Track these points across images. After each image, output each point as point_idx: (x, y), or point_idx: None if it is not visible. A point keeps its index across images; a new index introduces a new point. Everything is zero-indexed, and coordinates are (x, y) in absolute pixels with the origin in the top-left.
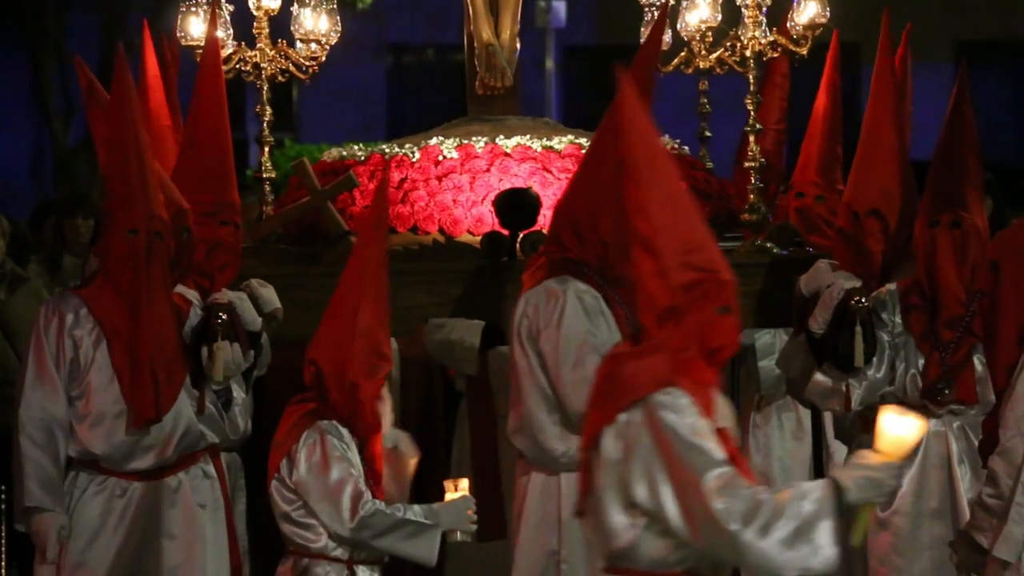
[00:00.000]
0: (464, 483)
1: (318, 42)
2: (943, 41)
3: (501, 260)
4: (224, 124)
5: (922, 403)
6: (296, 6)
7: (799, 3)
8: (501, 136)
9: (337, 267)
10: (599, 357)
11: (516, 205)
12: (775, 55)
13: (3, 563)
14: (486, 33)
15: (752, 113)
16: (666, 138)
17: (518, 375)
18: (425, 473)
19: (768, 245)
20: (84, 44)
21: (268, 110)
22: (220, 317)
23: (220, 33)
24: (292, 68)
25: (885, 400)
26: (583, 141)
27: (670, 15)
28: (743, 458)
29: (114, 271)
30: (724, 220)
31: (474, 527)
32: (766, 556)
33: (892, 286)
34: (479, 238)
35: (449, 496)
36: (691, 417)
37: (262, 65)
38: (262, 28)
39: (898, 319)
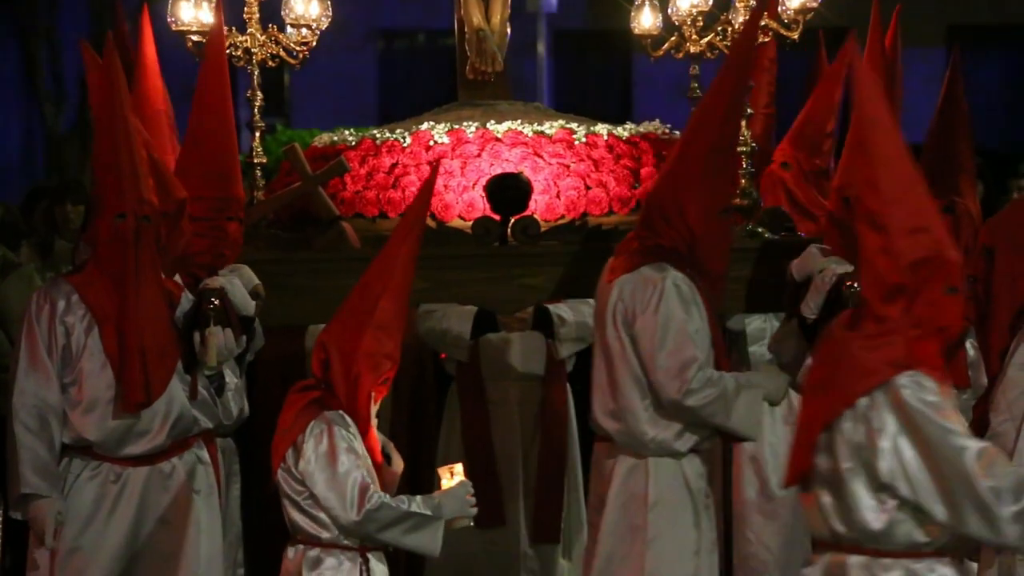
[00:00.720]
0: (459, 468)
1: (309, 27)
2: (935, 25)
3: (492, 245)
4: (229, 119)
5: None
6: None
7: None
8: (492, 121)
9: (328, 252)
10: (693, 345)
11: (507, 190)
12: (766, 39)
13: None
14: (477, 18)
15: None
16: (657, 123)
17: (611, 360)
18: (418, 460)
19: (759, 230)
20: (75, 29)
21: (259, 95)
22: (212, 302)
23: (210, 17)
24: (283, 53)
25: None
26: (574, 126)
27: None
28: None
29: (103, 256)
30: None
31: (475, 511)
32: None
33: None
34: (470, 223)
35: (446, 483)
36: (937, 398)
37: (253, 50)
38: (253, 13)
39: None
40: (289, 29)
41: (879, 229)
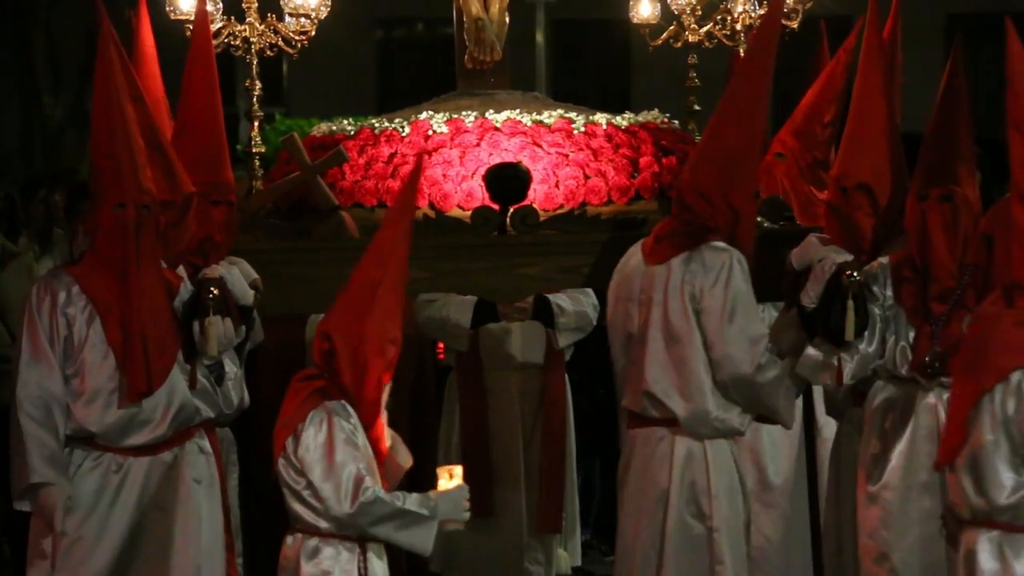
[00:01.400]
0: (458, 470)
1: (308, 16)
2: (934, 14)
3: (491, 235)
4: (216, 103)
5: (912, 376)
6: None
7: None
8: (491, 110)
9: (327, 242)
10: (761, 321)
11: (506, 180)
12: None
13: None
14: (475, 7)
15: None
16: (655, 112)
17: (676, 338)
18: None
19: (758, 219)
20: (73, 19)
21: (258, 85)
22: (211, 292)
23: (209, 7)
24: (281, 43)
25: (877, 374)
26: (573, 115)
27: None
28: None
29: (103, 246)
30: None
31: (468, 515)
32: None
33: (884, 260)
34: (469, 213)
35: (444, 484)
36: None
37: (251, 40)
38: (251, 2)
39: (889, 292)
40: (288, 18)
41: None
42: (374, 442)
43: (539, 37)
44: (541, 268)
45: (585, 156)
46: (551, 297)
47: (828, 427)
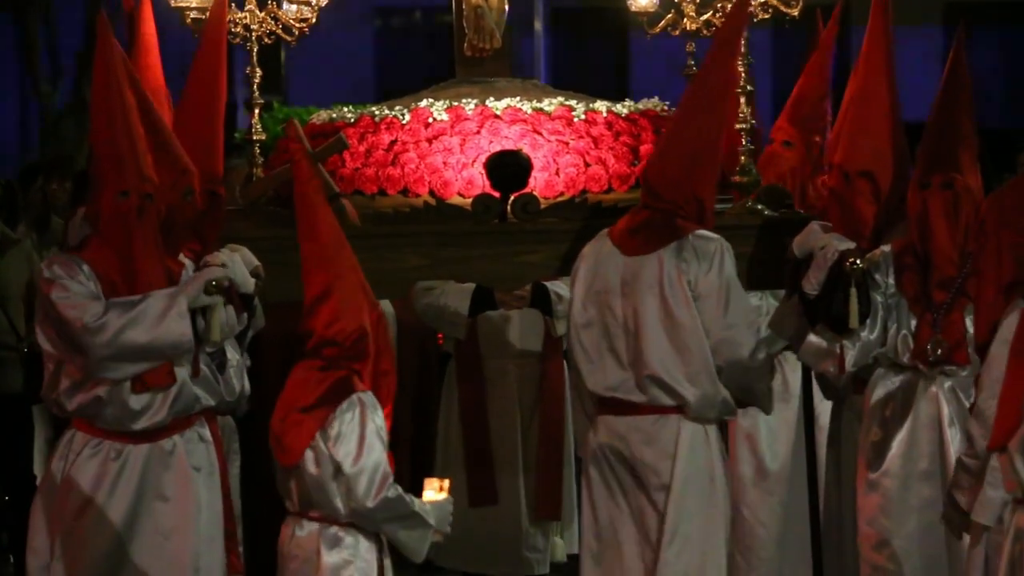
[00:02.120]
0: (447, 484)
1: (308, 4)
2: (932, 3)
3: (492, 222)
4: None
5: (914, 364)
6: None
7: None
8: (491, 98)
9: None
10: (751, 304)
11: (506, 167)
12: (766, 16)
13: None
14: None
15: (743, 74)
16: (655, 100)
17: (678, 326)
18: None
19: (759, 207)
20: (71, 6)
21: (258, 72)
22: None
23: None
24: (279, 31)
25: (878, 361)
26: (573, 103)
27: None
28: None
29: (107, 234)
30: None
31: (449, 530)
32: None
33: (886, 247)
34: (470, 200)
35: (432, 495)
36: None
37: (252, 27)
38: None
39: (892, 280)
40: (287, 6)
41: None
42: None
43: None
44: (542, 256)
45: (585, 144)
46: (549, 285)
47: (826, 414)
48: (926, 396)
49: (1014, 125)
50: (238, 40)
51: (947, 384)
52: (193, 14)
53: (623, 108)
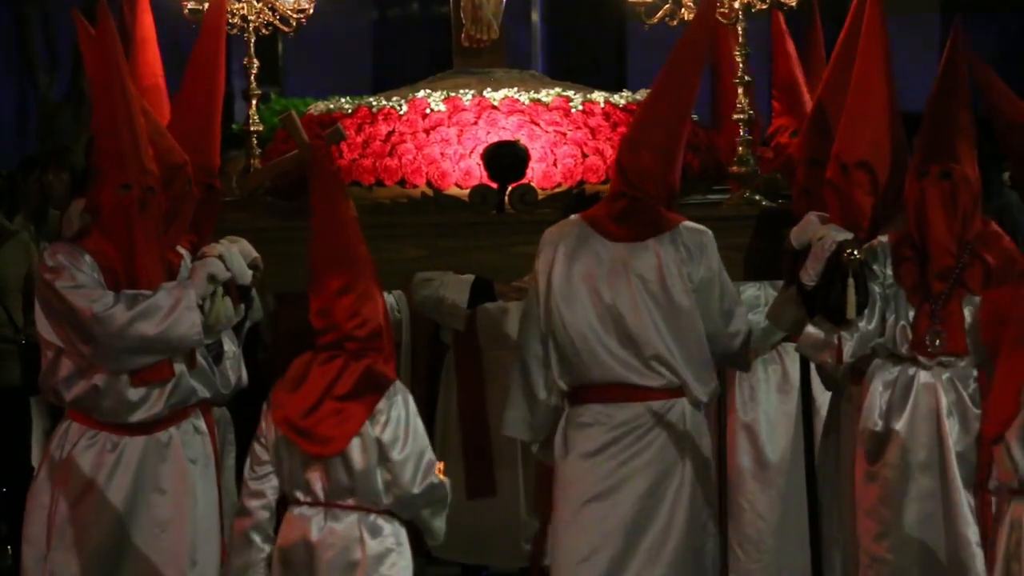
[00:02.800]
0: (442, 466)
1: None
2: None
3: (489, 213)
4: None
5: (912, 355)
6: None
7: None
8: (488, 89)
9: None
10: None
11: (504, 158)
12: (763, 7)
13: None
14: None
15: (740, 65)
16: None
17: (681, 314)
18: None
19: (756, 197)
20: None
21: (256, 63)
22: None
23: None
24: (277, 22)
25: (876, 352)
26: (571, 94)
27: None
28: None
29: (108, 226)
30: (712, 172)
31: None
32: None
33: (884, 238)
34: (467, 191)
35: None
36: None
37: (249, 18)
38: None
39: (889, 271)
40: None
41: None
42: None
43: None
44: None
45: (583, 135)
46: None
47: (827, 405)
48: (924, 387)
49: None
50: (235, 31)
51: (945, 375)
52: (191, 4)
53: (621, 99)
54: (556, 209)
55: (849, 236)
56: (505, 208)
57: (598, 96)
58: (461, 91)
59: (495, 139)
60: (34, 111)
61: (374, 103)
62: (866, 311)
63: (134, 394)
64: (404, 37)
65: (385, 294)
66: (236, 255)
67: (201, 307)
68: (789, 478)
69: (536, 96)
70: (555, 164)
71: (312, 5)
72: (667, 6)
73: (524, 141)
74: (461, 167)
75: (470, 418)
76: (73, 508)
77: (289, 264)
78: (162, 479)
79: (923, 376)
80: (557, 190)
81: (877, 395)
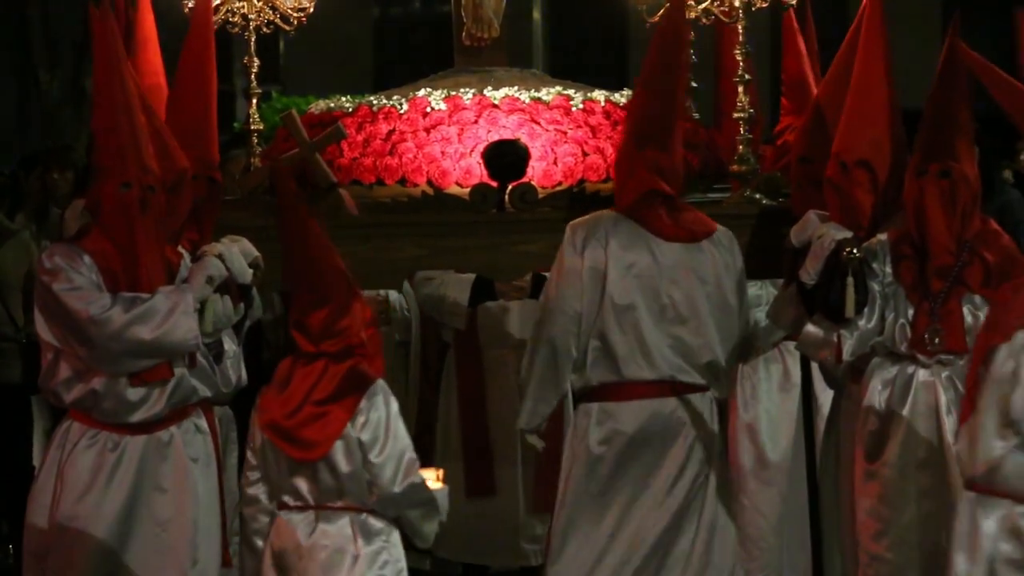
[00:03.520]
0: (442, 473)
1: None
2: None
3: (490, 212)
4: (210, 82)
5: (911, 353)
6: None
7: None
8: (489, 87)
9: (325, 219)
10: None
11: (505, 157)
12: (764, 5)
13: None
14: None
15: (741, 64)
16: None
17: (731, 314)
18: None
19: (757, 196)
20: None
21: (256, 61)
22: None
23: None
24: (278, 20)
25: (875, 350)
26: (571, 92)
27: None
28: None
29: (108, 225)
30: (713, 171)
31: (444, 519)
32: None
33: (883, 236)
34: (468, 190)
35: (430, 484)
36: None
37: (250, 16)
38: None
39: (889, 269)
40: None
41: None
42: None
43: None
44: (540, 246)
45: (583, 133)
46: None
47: (828, 404)
48: (923, 385)
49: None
50: (237, 29)
51: (944, 373)
52: (191, 3)
53: (621, 97)
54: (556, 208)
55: (848, 235)
56: (506, 207)
57: (599, 95)
58: (462, 90)
59: (496, 138)
60: (35, 109)
61: (375, 102)
62: (865, 309)
63: (134, 394)
64: (405, 36)
65: (392, 293)
66: (236, 254)
67: (200, 310)
68: (790, 477)
69: (537, 95)
70: (556, 163)
71: (313, 4)
72: (668, 4)
73: (525, 140)
74: (462, 166)
75: (470, 416)
76: (74, 507)
77: None
78: (163, 478)
79: (922, 374)
80: (558, 189)
81: (876, 393)
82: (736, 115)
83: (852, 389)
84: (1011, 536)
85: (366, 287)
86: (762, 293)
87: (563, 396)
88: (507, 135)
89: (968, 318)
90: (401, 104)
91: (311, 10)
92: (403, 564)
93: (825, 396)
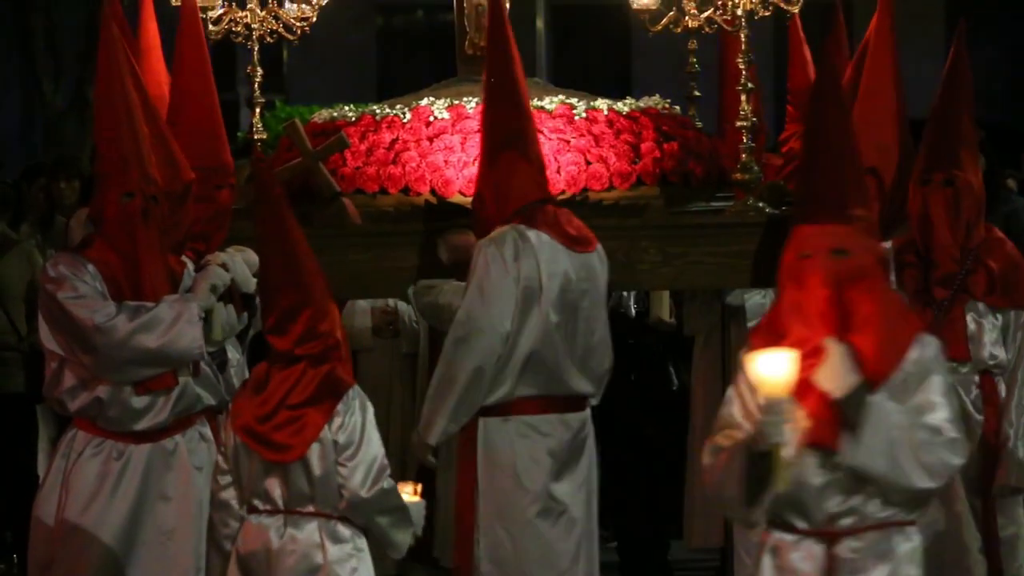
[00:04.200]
0: (420, 487)
1: (309, 2)
2: None
3: None
4: (210, 85)
5: None
6: None
7: None
8: None
9: (329, 228)
10: None
11: None
12: (767, 14)
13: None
14: None
15: (744, 72)
16: (656, 97)
17: (606, 329)
18: None
19: (760, 204)
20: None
21: (259, 71)
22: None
23: None
24: (281, 29)
25: None
26: (574, 101)
27: None
28: None
29: (111, 234)
30: (715, 179)
31: (418, 533)
32: None
33: (887, 244)
34: (471, 199)
35: (407, 498)
36: None
37: (252, 26)
38: None
39: (892, 277)
40: (288, 5)
41: None
42: None
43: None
44: None
45: (586, 142)
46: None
47: None
48: None
49: (1017, 121)
50: (240, 39)
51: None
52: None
53: (624, 106)
54: None
55: None
56: None
57: (602, 103)
58: (465, 99)
59: None
60: (39, 119)
61: (378, 111)
62: None
63: (138, 402)
64: (408, 45)
65: (401, 304)
66: (240, 263)
67: (207, 319)
68: None
69: (539, 104)
70: (559, 171)
71: (316, 13)
72: (671, 13)
73: None
74: (465, 175)
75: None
76: (79, 516)
77: None
78: (168, 487)
79: None
80: (561, 197)
81: None
82: (739, 123)
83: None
84: None
85: (369, 296)
86: (765, 302)
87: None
88: None
89: (971, 326)
90: (404, 113)
91: (314, 20)
92: (371, 571)
93: None
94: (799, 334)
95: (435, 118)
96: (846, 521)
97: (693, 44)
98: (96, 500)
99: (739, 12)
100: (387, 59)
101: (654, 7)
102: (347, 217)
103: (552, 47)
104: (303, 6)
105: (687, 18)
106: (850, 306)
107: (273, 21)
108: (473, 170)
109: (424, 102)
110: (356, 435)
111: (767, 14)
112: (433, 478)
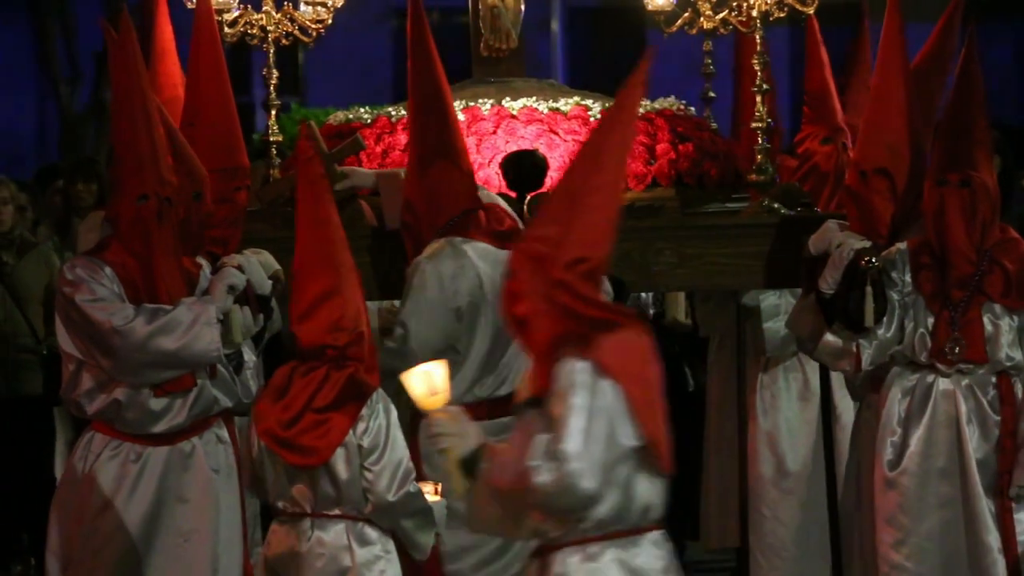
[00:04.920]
0: (440, 487)
1: (324, 5)
2: None
3: None
4: (226, 90)
5: (931, 362)
6: None
7: None
8: (507, 98)
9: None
10: None
11: (523, 167)
12: (782, 15)
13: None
14: None
15: (759, 74)
16: (672, 99)
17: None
18: None
19: (775, 206)
20: (89, 8)
21: (275, 73)
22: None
23: None
24: (297, 32)
25: (895, 360)
26: (589, 103)
27: None
28: None
29: (127, 237)
30: (731, 181)
31: (444, 532)
32: None
33: (903, 245)
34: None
35: (429, 498)
36: None
37: (268, 28)
38: None
39: (908, 278)
40: (304, 7)
41: None
42: None
43: (555, 24)
44: None
45: None
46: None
47: (847, 413)
48: (943, 394)
49: None
50: (255, 41)
51: (964, 382)
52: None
53: (639, 108)
54: None
55: (867, 244)
56: (524, 217)
57: None
58: (480, 100)
59: (514, 148)
60: (56, 123)
61: (393, 113)
62: (884, 319)
63: (156, 404)
64: None
65: None
66: (256, 265)
67: (222, 321)
68: (810, 486)
69: (555, 105)
70: None
71: (330, 16)
72: (686, 14)
73: (543, 150)
74: (480, 176)
75: None
76: (96, 518)
77: None
78: (185, 489)
79: (942, 383)
80: None
81: (896, 402)
82: (754, 124)
83: (871, 398)
84: None
85: (385, 297)
86: (780, 303)
87: None
88: (525, 145)
89: (988, 328)
90: None
91: (330, 22)
92: (399, 573)
93: (844, 405)
94: None
95: None
96: None
97: (708, 45)
98: (114, 502)
99: (754, 13)
100: (402, 61)
101: (669, 8)
102: (363, 219)
103: (568, 49)
104: (318, 8)
105: (702, 19)
106: None
107: (288, 23)
108: (488, 172)
109: None
110: (381, 439)
111: (782, 15)
112: None
